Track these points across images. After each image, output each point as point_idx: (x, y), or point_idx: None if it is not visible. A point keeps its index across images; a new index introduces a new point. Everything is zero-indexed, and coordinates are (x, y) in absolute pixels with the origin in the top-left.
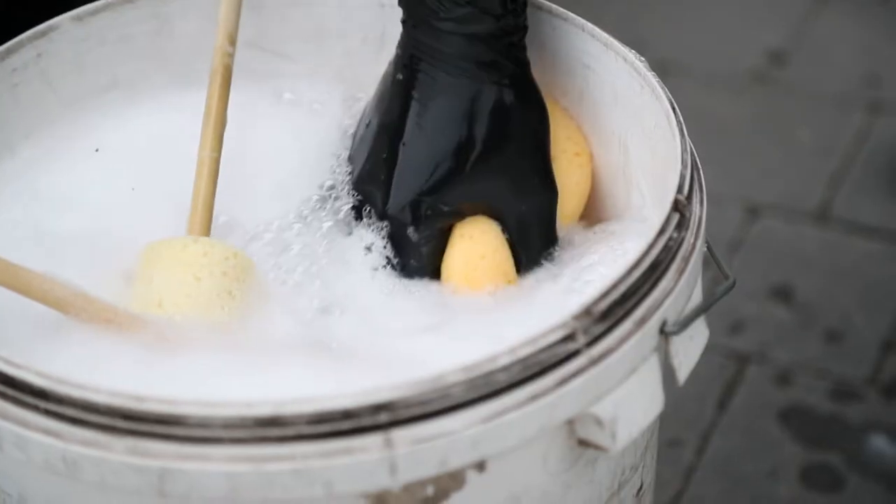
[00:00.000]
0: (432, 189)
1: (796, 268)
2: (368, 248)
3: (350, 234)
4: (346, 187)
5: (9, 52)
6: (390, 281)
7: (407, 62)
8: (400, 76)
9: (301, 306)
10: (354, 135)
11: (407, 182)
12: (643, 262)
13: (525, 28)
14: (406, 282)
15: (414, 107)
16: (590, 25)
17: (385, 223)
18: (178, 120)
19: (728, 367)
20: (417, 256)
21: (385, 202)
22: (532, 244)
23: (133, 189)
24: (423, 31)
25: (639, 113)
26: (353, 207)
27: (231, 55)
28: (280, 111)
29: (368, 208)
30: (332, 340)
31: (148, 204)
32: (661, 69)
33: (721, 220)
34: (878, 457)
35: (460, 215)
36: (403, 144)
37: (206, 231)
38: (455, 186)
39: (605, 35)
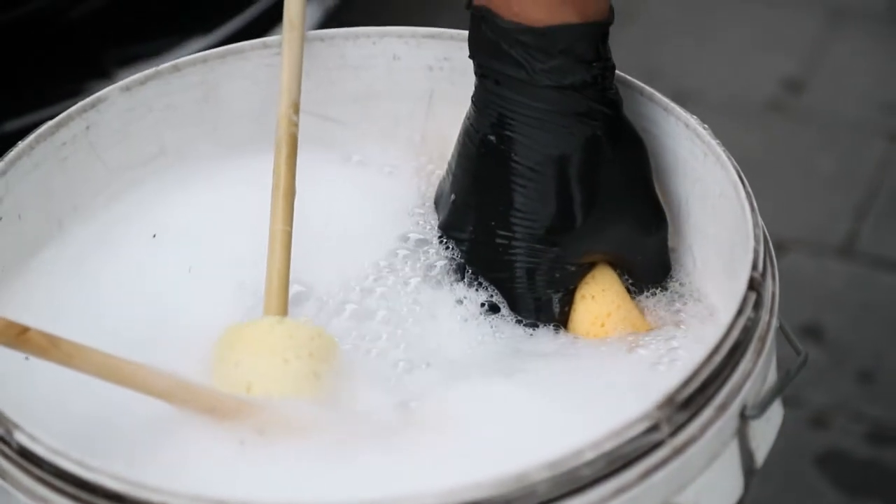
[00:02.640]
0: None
1: (825, 304)
2: (460, 301)
3: (439, 288)
4: (433, 241)
5: (58, 125)
6: (481, 330)
7: (496, 121)
8: (492, 138)
9: (386, 374)
10: (438, 198)
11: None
12: (723, 345)
13: (614, 67)
14: (493, 327)
15: (516, 169)
16: (648, 90)
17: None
18: (229, 191)
19: None
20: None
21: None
22: (652, 278)
23: (190, 270)
24: (511, 88)
25: (702, 179)
26: (455, 269)
27: (296, 124)
28: (341, 174)
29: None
30: (418, 405)
31: (208, 284)
32: (676, 98)
33: None
34: None
35: (586, 268)
36: (517, 210)
37: (284, 309)
38: (576, 241)
39: (664, 100)
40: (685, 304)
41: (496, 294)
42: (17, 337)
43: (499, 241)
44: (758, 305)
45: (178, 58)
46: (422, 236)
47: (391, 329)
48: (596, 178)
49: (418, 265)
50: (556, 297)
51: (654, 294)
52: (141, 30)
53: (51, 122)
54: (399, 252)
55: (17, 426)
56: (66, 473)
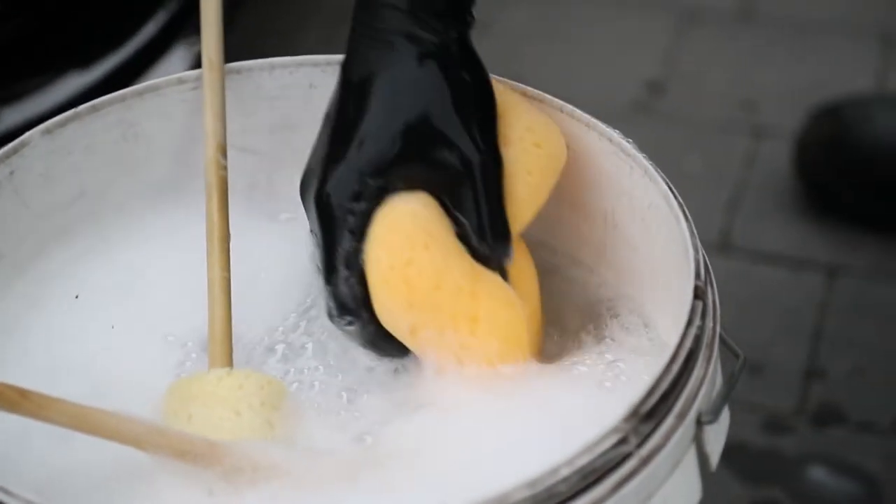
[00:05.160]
0: (375, 170)
1: None
2: None
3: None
4: None
5: None
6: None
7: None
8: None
9: (333, 407)
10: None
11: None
12: (679, 355)
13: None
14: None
15: (349, 88)
16: (568, 107)
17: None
18: (152, 242)
19: None
20: (347, 242)
21: (322, 184)
22: (483, 225)
23: (113, 328)
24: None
25: (629, 192)
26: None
27: (225, 167)
28: (270, 228)
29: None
30: (374, 442)
31: (135, 341)
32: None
33: None
34: (820, 487)
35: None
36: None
37: (229, 356)
38: (395, 165)
39: (585, 116)
40: (616, 315)
41: None
42: None
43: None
44: (704, 314)
45: (58, 93)
46: None
47: (325, 360)
48: (415, 98)
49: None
50: (359, 216)
51: (578, 308)
52: (18, 67)
53: None
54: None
55: None
56: None
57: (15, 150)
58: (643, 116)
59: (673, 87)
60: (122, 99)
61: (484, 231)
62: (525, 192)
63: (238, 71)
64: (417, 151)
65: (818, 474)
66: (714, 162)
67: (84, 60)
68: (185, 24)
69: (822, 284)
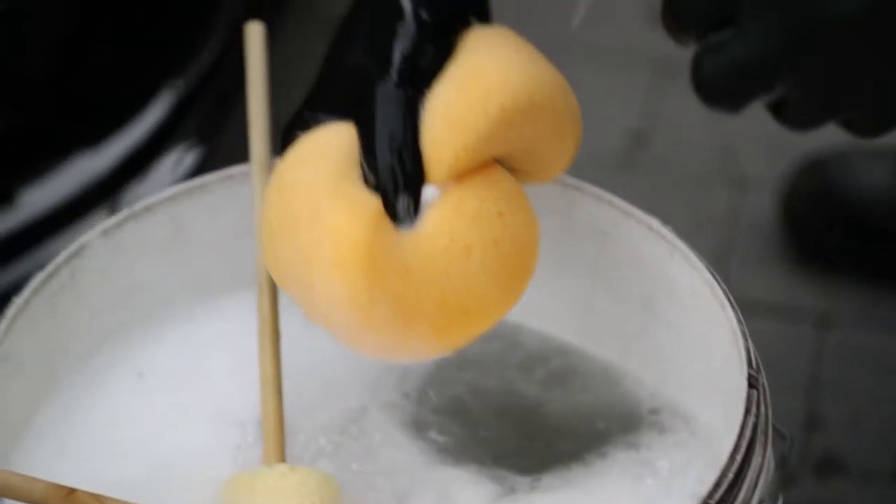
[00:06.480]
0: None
1: None
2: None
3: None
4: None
5: (49, 277)
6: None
7: None
8: None
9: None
10: None
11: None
12: (740, 445)
13: None
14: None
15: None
16: (606, 195)
17: None
18: (207, 330)
19: None
20: None
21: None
22: (367, 149)
23: (175, 409)
24: None
25: (669, 277)
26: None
27: None
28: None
29: None
30: None
31: (194, 423)
32: None
33: None
34: None
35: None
36: None
37: (282, 453)
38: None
39: (623, 203)
40: (654, 410)
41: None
42: (66, 498)
43: None
44: (760, 401)
45: (77, 169)
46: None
47: (377, 464)
48: None
49: (396, 411)
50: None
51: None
52: (31, 150)
53: (41, 275)
54: (380, 393)
55: None
56: None
57: (76, 253)
58: (627, 169)
59: (655, 138)
60: (173, 197)
61: (370, 155)
62: (442, 127)
63: None
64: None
65: None
66: (698, 212)
67: (92, 141)
68: (193, 105)
69: (813, 333)
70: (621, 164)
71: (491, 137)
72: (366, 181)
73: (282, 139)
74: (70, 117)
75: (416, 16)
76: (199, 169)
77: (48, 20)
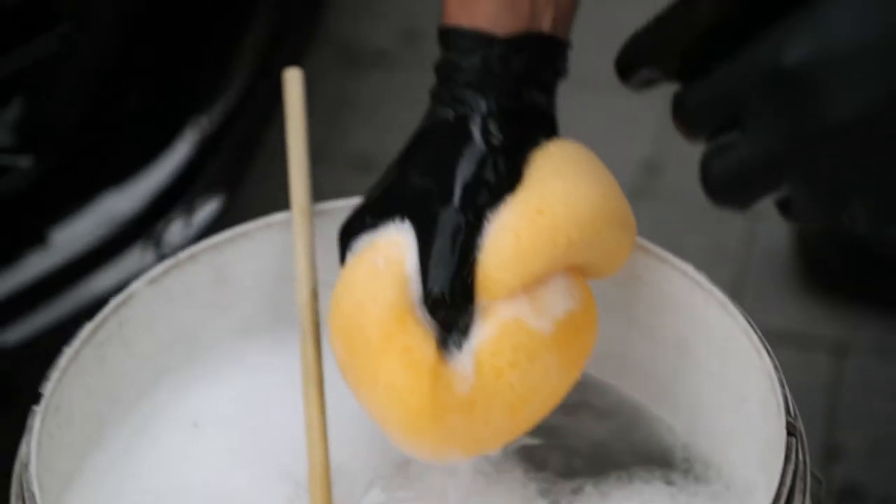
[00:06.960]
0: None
1: None
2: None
3: None
4: None
5: (97, 327)
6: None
7: None
8: None
9: None
10: None
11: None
12: (781, 493)
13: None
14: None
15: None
16: (643, 242)
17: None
18: (253, 376)
19: None
20: None
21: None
22: (427, 279)
23: (230, 457)
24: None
25: (704, 322)
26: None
27: (317, 311)
28: None
29: None
30: None
31: (249, 473)
32: None
33: None
34: None
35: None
36: None
37: (329, 499)
38: (382, 210)
39: (658, 249)
40: (687, 458)
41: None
42: None
43: None
44: (800, 448)
45: (103, 208)
46: None
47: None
48: None
49: None
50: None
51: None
52: (61, 190)
53: (90, 325)
54: None
55: None
56: None
57: (124, 302)
58: (641, 198)
59: (669, 167)
60: (215, 246)
61: (428, 285)
62: (509, 254)
63: (326, 212)
64: (402, 201)
65: None
66: (713, 240)
67: (118, 181)
68: (219, 145)
69: (830, 362)
70: (635, 194)
71: (557, 265)
72: (424, 302)
73: (341, 236)
74: (99, 158)
75: (487, 141)
76: (225, 210)
77: (83, 64)
